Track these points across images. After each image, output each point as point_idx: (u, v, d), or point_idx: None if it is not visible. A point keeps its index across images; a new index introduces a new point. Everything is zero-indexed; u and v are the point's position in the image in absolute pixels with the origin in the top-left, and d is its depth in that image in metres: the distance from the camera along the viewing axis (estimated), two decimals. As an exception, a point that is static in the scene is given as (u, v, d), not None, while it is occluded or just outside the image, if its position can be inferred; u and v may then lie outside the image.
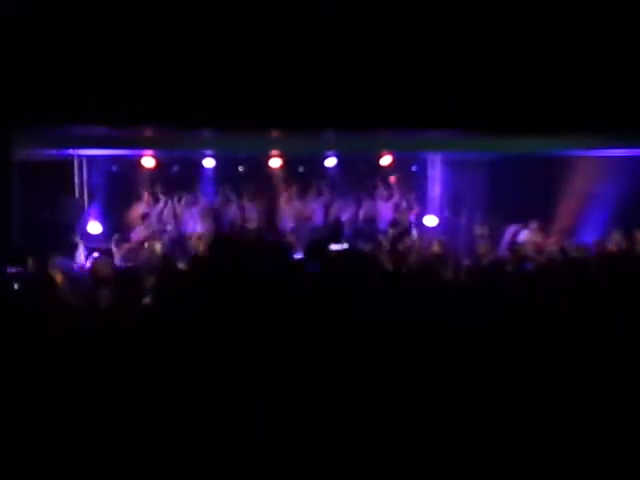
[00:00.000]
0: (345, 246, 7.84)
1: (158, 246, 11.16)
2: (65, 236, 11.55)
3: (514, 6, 8.92)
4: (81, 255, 11.17)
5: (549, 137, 11.53)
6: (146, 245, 11.39)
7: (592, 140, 11.47)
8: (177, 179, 14.04)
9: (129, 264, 10.06)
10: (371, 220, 13.76)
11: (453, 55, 8.86)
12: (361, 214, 14.01)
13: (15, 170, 9.09)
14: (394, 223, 13.43)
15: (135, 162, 13.61)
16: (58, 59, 7.88)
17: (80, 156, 13.17)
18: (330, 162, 14.25)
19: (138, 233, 12.47)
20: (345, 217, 13.70)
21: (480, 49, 8.93)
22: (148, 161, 13.53)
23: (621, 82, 9.29)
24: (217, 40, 8.33)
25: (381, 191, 14.33)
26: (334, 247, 8.58)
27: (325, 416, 2.93)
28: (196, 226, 13.13)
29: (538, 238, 11.70)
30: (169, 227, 13.26)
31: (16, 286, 6.17)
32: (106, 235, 12.47)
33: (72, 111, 7.98)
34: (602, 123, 9.59)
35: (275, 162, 14.18)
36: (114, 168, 13.82)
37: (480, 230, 12.41)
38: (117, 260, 10.70)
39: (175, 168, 14.16)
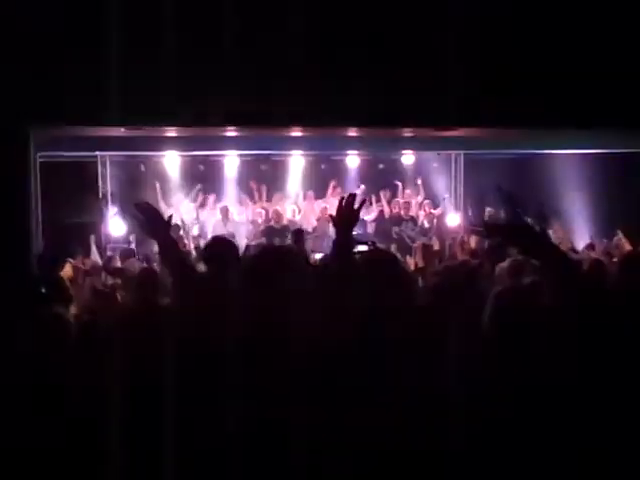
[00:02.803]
0: (367, 247, 7.79)
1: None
2: (87, 236, 11.61)
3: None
4: (95, 255, 11.20)
5: (574, 135, 11.45)
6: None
7: (617, 139, 11.38)
8: (201, 179, 14.05)
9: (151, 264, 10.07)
10: (396, 220, 13.65)
11: (473, 52, 8.79)
12: (386, 214, 13.94)
13: (38, 171, 9.13)
14: (414, 222, 13.36)
15: (160, 162, 13.67)
16: (78, 58, 7.90)
17: (103, 155, 13.23)
18: (351, 161, 14.23)
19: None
20: (369, 217, 13.63)
21: (503, 46, 8.86)
22: (173, 160, 13.60)
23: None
24: (242, 39, 8.31)
25: (404, 190, 14.30)
26: (359, 248, 8.50)
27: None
28: (219, 227, 13.11)
29: (560, 237, 11.61)
30: (194, 228, 13.28)
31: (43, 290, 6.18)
32: (130, 235, 12.52)
33: (91, 111, 7.99)
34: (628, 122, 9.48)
35: (297, 160, 14.16)
36: (137, 167, 13.86)
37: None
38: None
39: (200, 167, 14.17)
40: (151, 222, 3.57)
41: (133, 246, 11.60)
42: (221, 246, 4.85)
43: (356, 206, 3.48)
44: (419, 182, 14.45)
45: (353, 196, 3.51)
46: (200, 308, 3.42)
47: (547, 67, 8.95)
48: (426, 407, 2.86)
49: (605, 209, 12.55)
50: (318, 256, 9.73)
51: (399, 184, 14.33)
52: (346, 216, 3.44)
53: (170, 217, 3.71)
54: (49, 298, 5.71)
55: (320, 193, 14.19)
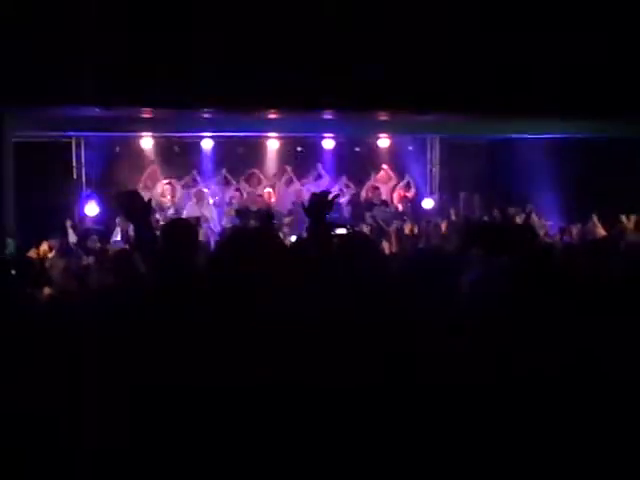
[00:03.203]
0: (346, 230, 7.83)
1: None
2: (60, 218, 11.50)
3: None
4: (72, 237, 11.13)
5: (548, 121, 11.54)
6: None
7: (590, 125, 11.50)
8: (177, 160, 13.96)
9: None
10: (368, 204, 13.63)
11: (451, 37, 8.82)
12: (362, 197, 13.93)
13: (10, 152, 9.05)
14: (385, 205, 13.38)
15: (135, 143, 13.57)
16: (51, 38, 7.82)
17: (78, 137, 13.12)
18: (327, 144, 14.20)
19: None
20: (344, 200, 13.61)
21: (477, 34, 8.91)
22: (147, 142, 13.52)
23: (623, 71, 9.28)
24: (214, 19, 8.26)
25: (379, 173, 14.31)
26: (338, 231, 8.55)
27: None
28: (194, 210, 13.05)
29: (534, 223, 11.68)
30: (170, 211, 13.19)
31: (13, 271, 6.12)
32: (105, 217, 12.43)
33: (64, 92, 7.91)
34: (601, 109, 9.60)
35: (273, 143, 14.12)
36: (113, 149, 13.72)
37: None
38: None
39: (175, 149, 14.06)
40: (131, 207, 3.66)
41: (118, 228, 11.52)
42: (176, 229, 4.79)
43: (330, 197, 3.54)
44: (385, 166, 14.45)
45: (326, 192, 3.59)
46: (173, 291, 3.42)
47: (530, 57, 9.02)
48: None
49: (581, 193, 12.63)
50: (293, 238, 9.73)
51: (386, 167, 14.33)
52: (319, 207, 3.48)
53: (150, 202, 3.80)
54: (21, 280, 5.67)
55: (296, 176, 14.16)
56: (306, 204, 3.57)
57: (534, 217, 12.21)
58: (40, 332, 3.86)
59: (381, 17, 8.76)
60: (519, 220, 11.60)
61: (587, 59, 9.02)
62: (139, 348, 3.18)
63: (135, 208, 3.68)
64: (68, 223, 11.50)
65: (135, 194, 3.80)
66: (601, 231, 10.37)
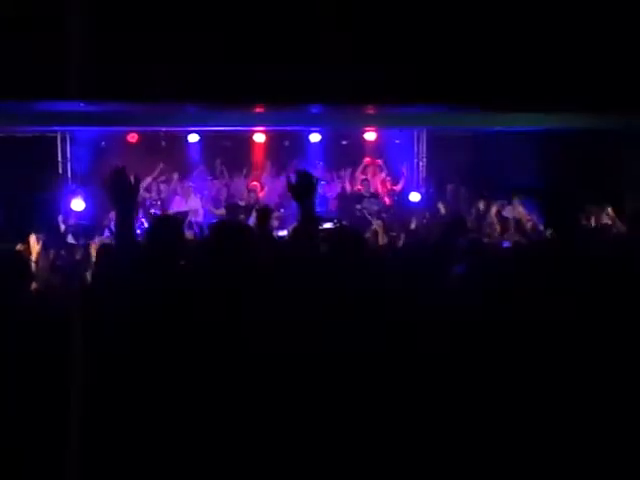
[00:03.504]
0: (332, 224, 7.77)
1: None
2: (47, 214, 11.42)
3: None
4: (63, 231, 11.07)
5: (534, 113, 11.55)
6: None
7: (575, 118, 11.51)
8: (163, 155, 13.87)
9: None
10: (357, 197, 13.58)
11: (439, 28, 8.80)
12: (347, 188, 13.88)
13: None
14: (375, 197, 13.34)
15: (121, 138, 13.48)
16: (29, 29, 7.74)
17: (64, 131, 13.03)
18: (314, 137, 14.14)
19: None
20: (332, 194, 13.56)
21: (465, 23, 8.89)
22: (133, 137, 13.44)
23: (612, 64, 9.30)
24: (194, 6, 8.19)
25: (368, 166, 14.25)
26: (325, 225, 8.54)
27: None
28: (181, 204, 12.98)
29: (521, 215, 11.66)
30: (156, 207, 13.08)
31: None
32: (91, 212, 12.34)
33: (49, 85, 7.84)
34: (589, 102, 9.61)
35: (259, 137, 14.05)
36: (98, 144, 13.63)
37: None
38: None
39: (162, 143, 13.96)
40: (119, 185, 3.63)
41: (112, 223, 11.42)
42: (163, 224, 4.74)
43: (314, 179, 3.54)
44: (376, 160, 14.41)
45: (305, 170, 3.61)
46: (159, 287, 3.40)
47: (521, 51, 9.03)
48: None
49: (568, 185, 12.62)
50: (282, 233, 9.70)
51: (379, 161, 14.28)
52: (305, 185, 3.47)
53: (137, 181, 3.77)
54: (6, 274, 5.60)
55: (283, 170, 14.11)
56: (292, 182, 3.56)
57: (520, 209, 12.19)
58: (26, 326, 3.82)
59: (368, 10, 8.73)
60: (506, 213, 11.62)
61: (579, 51, 9.02)
62: (125, 344, 3.15)
63: (123, 186, 3.64)
64: (60, 218, 11.43)
65: (123, 171, 3.74)
66: (592, 223, 10.38)
